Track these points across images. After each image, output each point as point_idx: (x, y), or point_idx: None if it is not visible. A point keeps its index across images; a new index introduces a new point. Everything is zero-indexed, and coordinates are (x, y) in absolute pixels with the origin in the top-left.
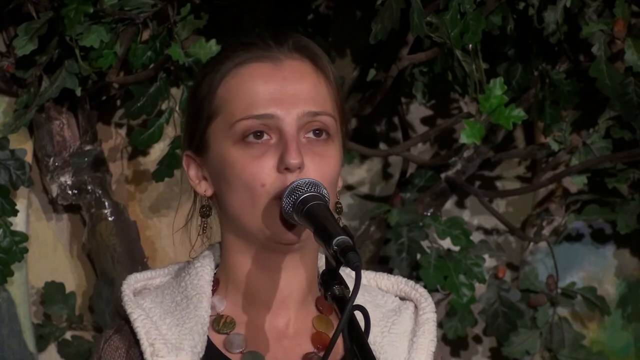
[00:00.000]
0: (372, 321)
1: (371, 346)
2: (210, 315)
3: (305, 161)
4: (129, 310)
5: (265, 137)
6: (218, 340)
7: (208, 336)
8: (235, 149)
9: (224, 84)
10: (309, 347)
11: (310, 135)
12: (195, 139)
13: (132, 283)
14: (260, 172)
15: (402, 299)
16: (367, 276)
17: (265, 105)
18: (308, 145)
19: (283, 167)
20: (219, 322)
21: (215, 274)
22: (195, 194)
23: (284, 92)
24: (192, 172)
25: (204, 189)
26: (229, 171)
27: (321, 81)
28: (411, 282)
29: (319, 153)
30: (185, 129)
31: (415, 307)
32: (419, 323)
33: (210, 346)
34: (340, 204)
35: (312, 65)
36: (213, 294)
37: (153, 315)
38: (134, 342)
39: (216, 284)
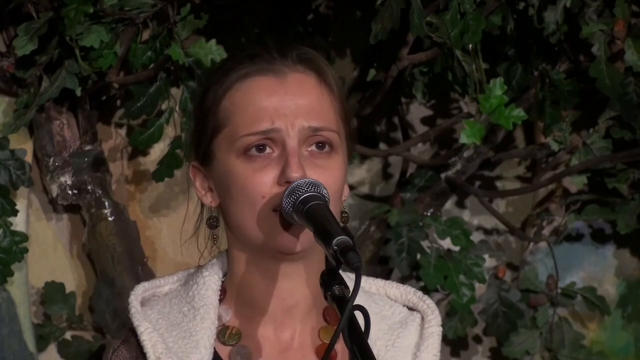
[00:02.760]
0: (377, 334)
1: None
2: (217, 326)
3: (307, 173)
4: (135, 323)
5: (268, 150)
6: (224, 352)
7: (214, 348)
8: (238, 161)
9: (228, 96)
10: (313, 359)
11: (313, 148)
12: (201, 150)
13: (140, 293)
14: (261, 184)
15: (410, 309)
16: (376, 284)
17: (268, 120)
18: (310, 157)
19: (284, 180)
20: (225, 334)
21: (222, 282)
22: (203, 204)
23: (286, 106)
24: (198, 183)
25: (210, 200)
26: (232, 183)
27: (325, 94)
28: (419, 293)
29: (322, 165)
30: (191, 139)
31: (422, 318)
32: (423, 337)
33: (216, 358)
34: (346, 213)
35: (316, 78)
36: (220, 303)
37: (160, 327)
38: (141, 353)
39: (223, 292)
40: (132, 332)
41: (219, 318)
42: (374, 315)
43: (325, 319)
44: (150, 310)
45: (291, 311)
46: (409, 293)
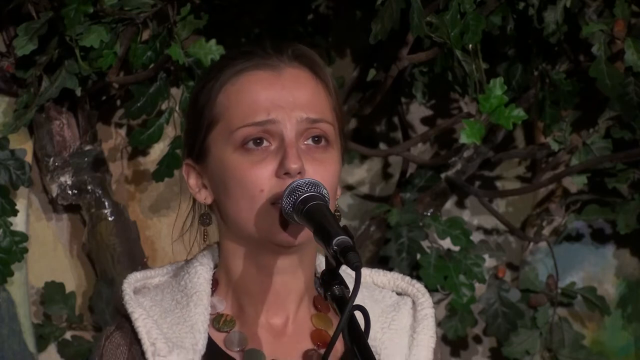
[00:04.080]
0: (372, 317)
1: (372, 342)
2: (210, 314)
3: (305, 166)
4: (129, 310)
5: (265, 143)
6: (218, 338)
7: (209, 334)
8: (235, 155)
9: (223, 91)
10: (308, 345)
11: (310, 142)
12: (196, 147)
13: (133, 282)
14: (260, 177)
15: (399, 294)
16: (363, 273)
17: (264, 112)
18: (307, 152)
19: (282, 172)
20: (219, 321)
21: (214, 274)
22: (194, 202)
23: (283, 99)
24: (192, 180)
25: (204, 197)
26: (229, 177)
27: (320, 89)
28: (407, 278)
29: (318, 159)
30: (185, 137)
31: (413, 302)
32: (417, 319)
33: (211, 344)
34: (339, 212)
35: (312, 74)
36: (212, 294)
37: (154, 314)
38: (135, 339)
39: (215, 284)
40: (126, 319)
41: (213, 308)
42: (366, 299)
43: (316, 307)
44: (143, 297)
45: (284, 302)
46: (397, 279)
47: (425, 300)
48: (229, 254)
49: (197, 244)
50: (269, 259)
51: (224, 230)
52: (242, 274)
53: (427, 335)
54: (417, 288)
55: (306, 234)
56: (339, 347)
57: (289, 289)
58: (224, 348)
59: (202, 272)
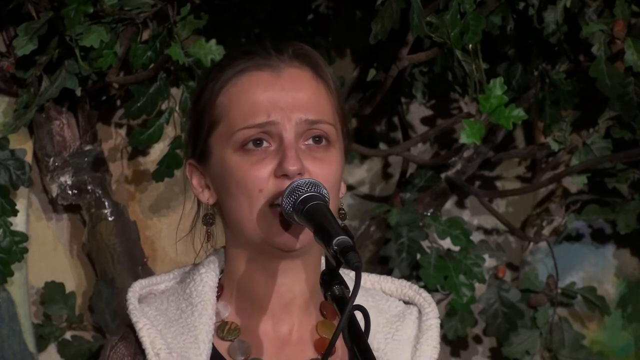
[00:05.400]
0: (376, 327)
1: (375, 353)
2: (215, 322)
3: (305, 164)
4: (134, 319)
5: (265, 144)
6: (222, 347)
7: (213, 343)
8: (235, 156)
9: (224, 92)
10: (312, 354)
11: (310, 142)
12: (198, 147)
13: (137, 290)
14: (258, 177)
15: (406, 302)
16: (371, 279)
17: (264, 114)
18: (308, 151)
19: (281, 173)
20: (224, 329)
21: (220, 279)
22: (199, 202)
23: (283, 100)
24: (195, 180)
25: (207, 197)
26: (229, 178)
27: (321, 89)
28: (415, 287)
29: (319, 158)
30: (188, 137)
31: (419, 311)
32: (422, 329)
33: (214, 353)
34: (343, 210)
35: (312, 73)
36: (218, 299)
37: (158, 323)
38: (139, 349)
39: (221, 289)
40: (131, 329)
41: (218, 314)
42: (371, 309)
43: (323, 314)
44: (148, 307)
45: (289, 306)
46: (405, 287)
47: (431, 310)
48: (232, 255)
49: (202, 244)
50: (270, 260)
51: (227, 233)
52: (246, 277)
53: (430, 346)
54: (424, 297)
55: (307, 238)
56: (340, 351)
57: (293, 293)
58: (227, 357)
59: (208, 279)
